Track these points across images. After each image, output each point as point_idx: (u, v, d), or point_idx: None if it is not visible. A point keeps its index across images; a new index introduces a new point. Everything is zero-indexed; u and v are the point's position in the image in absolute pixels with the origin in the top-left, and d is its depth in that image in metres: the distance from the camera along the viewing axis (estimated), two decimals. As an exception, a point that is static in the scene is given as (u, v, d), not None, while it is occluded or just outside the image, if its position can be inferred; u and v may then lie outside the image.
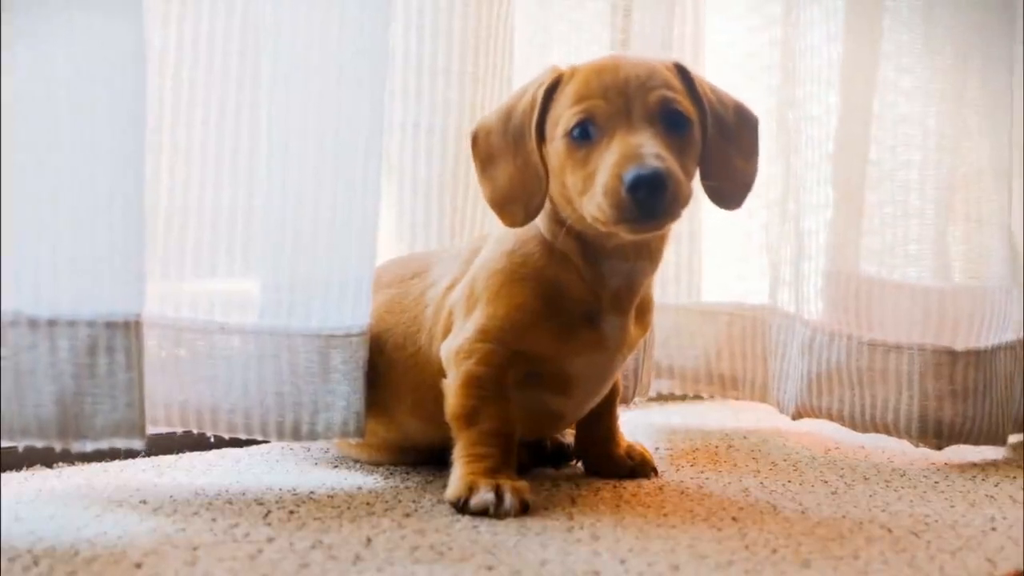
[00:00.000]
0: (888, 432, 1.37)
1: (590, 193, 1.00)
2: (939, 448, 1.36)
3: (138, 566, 0.84)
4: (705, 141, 1.06)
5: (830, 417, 1.40)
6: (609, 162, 0.98)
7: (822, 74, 1.41)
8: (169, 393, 1.11)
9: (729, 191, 1.09)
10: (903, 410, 1.35)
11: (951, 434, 1.35)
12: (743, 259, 1.59)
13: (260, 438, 1.14)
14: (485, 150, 1.09)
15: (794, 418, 1.43)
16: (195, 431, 1.13)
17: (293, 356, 1.11)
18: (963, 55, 1.39)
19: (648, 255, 1.09)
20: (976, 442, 1.36)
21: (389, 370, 1.15)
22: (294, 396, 1.12)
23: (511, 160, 1.07)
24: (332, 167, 1.11)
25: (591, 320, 1.08)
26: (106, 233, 0.97)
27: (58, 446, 0.96)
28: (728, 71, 1.57)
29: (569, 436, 1.27)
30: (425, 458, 1.20)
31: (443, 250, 1.24)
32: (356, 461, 1.25)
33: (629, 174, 0.96)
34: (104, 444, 0.97)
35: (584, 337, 1.08)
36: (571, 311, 1.08)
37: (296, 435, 1.12)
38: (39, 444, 0.96)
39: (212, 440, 1.24)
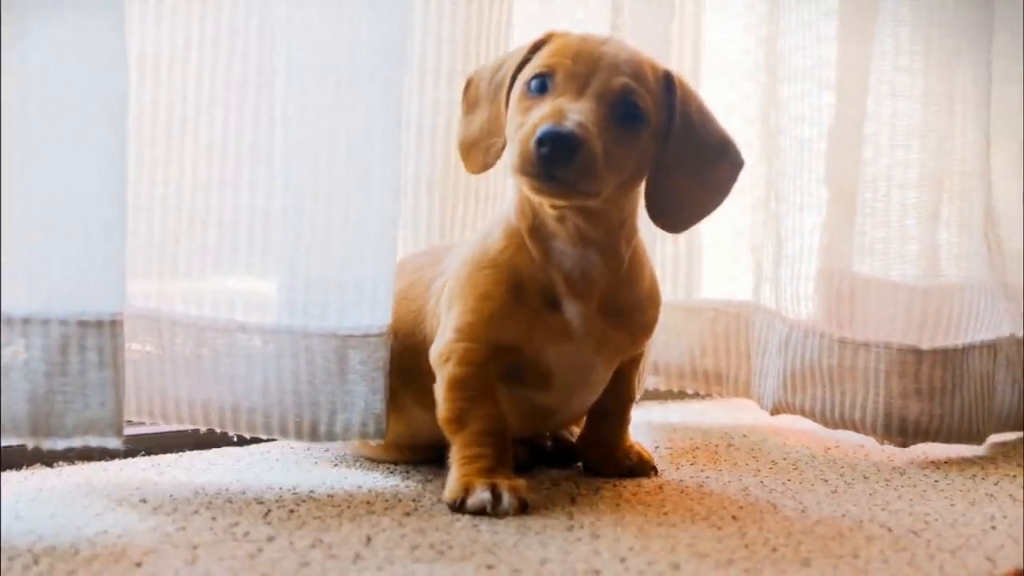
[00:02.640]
0: (856, 429, 1.37)
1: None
2: (904, 446, 1.36)
3: (138, 565, 0.84)
4: (665, 153, 1.06)
5: (803, 413, 1.41)
6: (536, 115, 0.99)
7: (807, 73, 1.41)
8: (192, 391, 1.12)
9: (672, 212, 1.09)
10: (869, 408, 1.36)
11: (916, 432, 1.35)
12: (734, 256, 1.59)
13: (279, 438, 1.14)
14: (473, 95, 1.12)
15: (772, 414, 1.44)
16: (217, 430, 1.13)
17: (311, 356, 1.11)
18: (953, 53, 1.39)
19: (595, 245, 1.08)
20: (946, 440, 1.36)
21: (401, 355, 1.15)
22: (311, 396, 1.12)
23: (488, 107, 1.09)
24: (348, 166, 1.11)
25: (554, 305, 1.08)
26: (83, 233, 0.97)
27: (30, 444, 0.96)
28: (727, 68, 1.57)
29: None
30: (432, 456, 1.20)
31: (460, 242, 1.25)
32: (365, 459, 1.24)
33: (542, 128, 0.96)
34: (77, 442, 0.97)
35: (550, 324, 1.07)
36: (532, 296, 1.07)
37: (314, 435, 1.12)
38: (11, 442, 0.96)
39: (212, 439, 1.24)
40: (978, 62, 1.40)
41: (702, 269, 1.59)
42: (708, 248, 1.60)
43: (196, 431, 1.17)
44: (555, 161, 0.96)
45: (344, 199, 1.12)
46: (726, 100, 1.56)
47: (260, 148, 1.13)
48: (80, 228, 0.97)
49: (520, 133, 1.00)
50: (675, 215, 1.10)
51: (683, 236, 1.55)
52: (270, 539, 0.92)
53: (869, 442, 1.42)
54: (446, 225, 1.36)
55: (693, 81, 1.51)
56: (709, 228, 1.58)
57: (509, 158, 1.01)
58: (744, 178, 1.52)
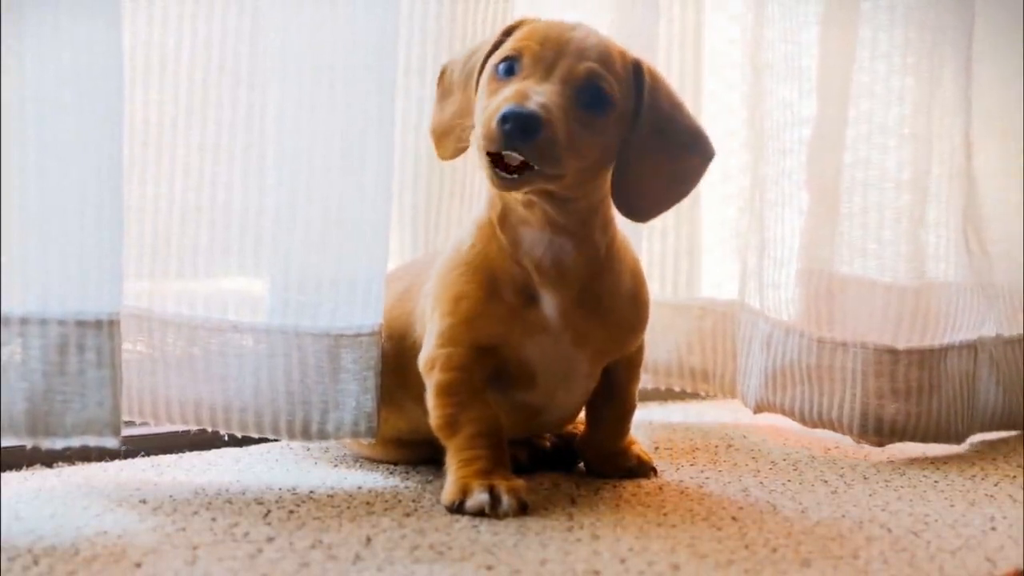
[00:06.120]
0: (833, 428, 1.39)
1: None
2: (880, 445, 1.37)
3: (138, 565, 0.84)
4: (630, 141, 1.05)
5: (784, 412, 1.42)
6: (501, 97, 0.99)
7: (791, 77, 1.42)
8: (183, 391, 1.12)
9: (635, 199, 1.08)
10: (846, 407, 1.37)
11: (893, 431, 1.36)
12: (725, 257, 1.60)
13: (271, 437, 1.14)
14: (447, 83, 1.12)
15: (755, 412, 1.45)
16: (209, 429, 1.13)
17: (303, 355, 1.12)
18: (934, 55, 1.40)
19: (567, 233, 1.07)
20: (923, 440, 1.37)
21: (396, 357, 1.15)
22: (303, 395, 1.12)
23: (460, 94, 1.09)
24: (341, 166, 1.11)
25: (530, 298, 1.07)
26: (80, 233, 0.97)
27: (28, 443, 0.96)
28: (726, 71, 1.56)
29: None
30: (433, 455, 1.20)
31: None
32: (365, 459, 1.24)
33: (505, 107, 0.96)
34: (75, 442, 0.97)
35: (527, 317, 1.07)
36: (508, 291, 1.07)
37: (306, 434, 1.13)
38: (10, 442, 0.96)
39: (212, 439, 1.24)
40: (959, 63, 1.41)
41: (700, 269, 1.59)
42: (706, 248, 1.60)
43: (196, 431, 1.17)
44: (517, 139, 0.96)
45: (337, 199, 1.12)
46: (726, 102, 1.56)
47: (252, 148, 1.13)
48: (77, 228, 0.97)
49: (485, 113, 1.00)
50: (637, 203, 1.09)
51: (676, 234, 1.55)
52: (270, 540, 0.92)
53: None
54: (431, 224, 1.36)
55: (693, 82, 1.53)
56: (708, 229, 1.59)
57: (473, 139, 1.01)
58: (740, 181, 1.53)
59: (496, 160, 0.98)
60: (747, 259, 1.48)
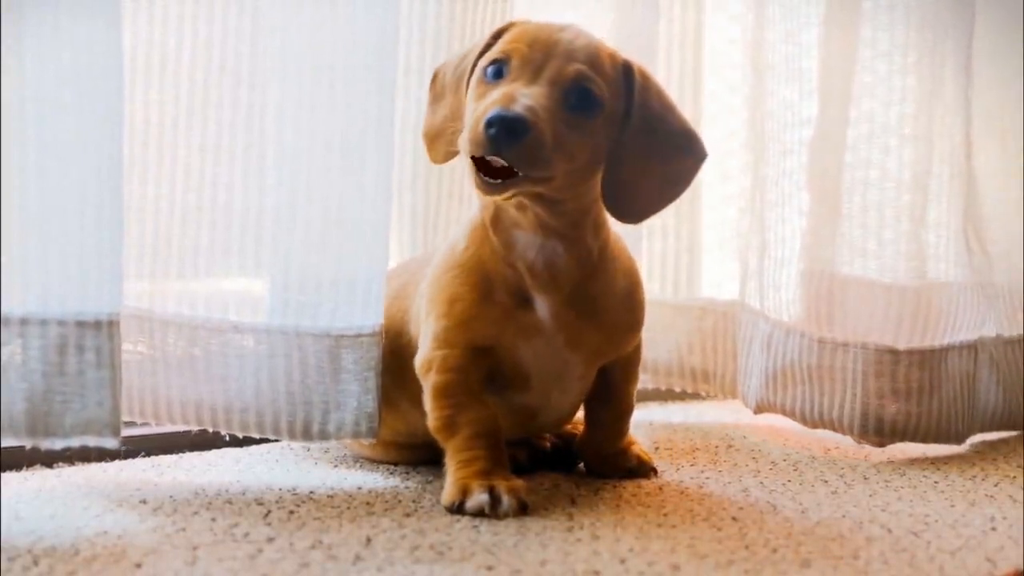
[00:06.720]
0: (834, 429, 1.39)
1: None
2: (881, 445, 1.38)
3: (138, 566, 0.84)
4: (621, 142, 1.05)
5: (784, 412, 1.43)
6: (488, 100, 0.99)
7: (793, 78, 1.42)
8: (184, 391, 1.12)
9: (626, 201, 1.07)
10: (847, 407, 1.37)
11: (893, 432, 1.37)
12: (726, 257, 1.60)
13: (272, 437, 1.14)
14: (439, 87, 1.12)
15: (756, 412, 1.46)
16: (209, 429, 1.14)
17: (304, 356, 1.12)
18: (935, 55, 1.40)
19: (559, 236, 1.06)
20: (924, 440, 1.38)
21: (392, 356, 1.15)
22: (304, 396, 1.12)
23: (452, 97, 1.09)
24: (341, 166, 1.12)
25: (523, 300, 1.07)
26: (80, 233, 0.97)
27: (28, 444, 0.96)
28: (726, 72, 1.56)
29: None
30: (432, 456, 1.20)
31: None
32: (365, 459, 1.24)
33: (491, 111, 0.96)
34: (75, 442, 0.97)
35: (520, 320, 1.07)
36: (502, 293, 1.07)
37: (307, 435, 1.13)
38: (9, 442, 0.96)
39: (213, 440, 1.24)
40: (959, 63, 1.42)
41: (700, 269, 1.59)
42: (706, 248, 1.60)
43: (196, 432, 1.17)
44: (503, 143, 0.95)
45: (337, 199, 1.12)
46: (726, 103, 1.56)
47: (252, 148, 1.13)
48: (77, 228, 0.97)
49: (472, 117, 0.99)
50: (629, 205, 1.08)
51: (677, 234, 1.55)
52: (270, 540, 0.92)
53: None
54: (430, 224, 1.36)
55: (693, 83, 1.53)
56: (708, 229, 1.59)
57: (461, 143, 1.00)
58: (741, 181, 1.53)
59: (482, 164, 0.98)
60: (748, 259, 1.49)
